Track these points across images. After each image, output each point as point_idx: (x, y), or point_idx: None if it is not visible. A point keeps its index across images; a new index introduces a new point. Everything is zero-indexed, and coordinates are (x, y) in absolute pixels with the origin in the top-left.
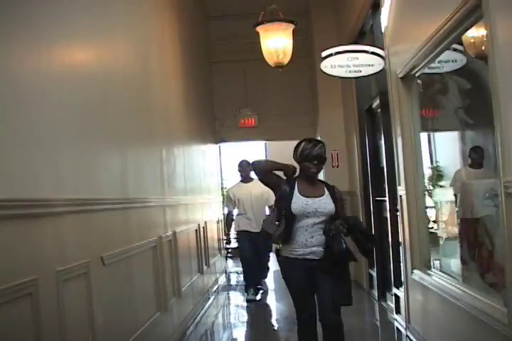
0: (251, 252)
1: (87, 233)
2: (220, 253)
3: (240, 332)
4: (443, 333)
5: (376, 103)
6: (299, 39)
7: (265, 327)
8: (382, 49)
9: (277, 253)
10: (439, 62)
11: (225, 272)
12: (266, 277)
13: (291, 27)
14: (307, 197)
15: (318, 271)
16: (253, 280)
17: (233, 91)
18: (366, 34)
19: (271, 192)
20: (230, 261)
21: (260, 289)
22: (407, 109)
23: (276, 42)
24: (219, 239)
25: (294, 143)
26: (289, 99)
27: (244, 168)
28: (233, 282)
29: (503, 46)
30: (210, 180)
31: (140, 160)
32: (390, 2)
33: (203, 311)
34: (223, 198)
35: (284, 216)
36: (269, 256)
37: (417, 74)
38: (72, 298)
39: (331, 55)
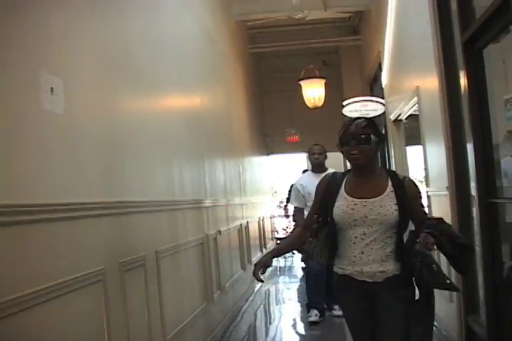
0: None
1: (216, 216)
2: (273, 241)
3: (285, 294)
4: None
5: (383, 131)
6: (331, 73)
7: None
8: (383, 98)
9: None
10: None
11: None
12: (332, 308)
13: (323, 81)
14: (356, 197)
15: (380, 299)
16: (317, 299)
17: (280, 114)
18: (378, 80)
19: None
20: None
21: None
22: (396, 138)
23: (313, 92)
24: (271, 231)
25: (330, 154)
26: (324, 120)
27: (317, 154)
28: (281, 265)
29: (423, 111)
30: (264, 185)
31: (230, 172)
32: (386, 68)
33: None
34: (289, 194)
35: (323, 222)
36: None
37: (404, 118)
38: (212, 252)
39: (349, 103)
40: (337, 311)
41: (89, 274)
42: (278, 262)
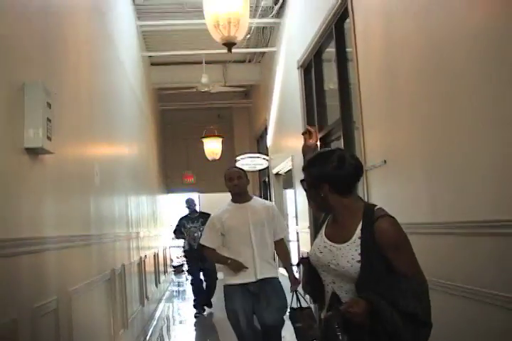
0: (248, 317)
1: (144, 244)
2: (170, 268)
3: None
4: None
5: (267, 179)
6: (224, 125)
7: None
8: (268, 155)
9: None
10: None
11: (172, 281)
12: None
13: (220, 138)
14: (329, 239)
15: None
16: None
17: (178, 158)
18: (263, 137)
19: (279, 217)
20: (173, 277)
21: None
22: (277, 185)
23: (212, 146)
24: (171, 259)
25: (220, 195)
26: (217, 164)
27: (236, 179)
28: (176, 288)
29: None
30: (165, 219)
31: (149, 208)
32: (271, 133)
33: (166, 295)
34: (176, 228)
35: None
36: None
37: (282, 173)
38: (143, 270)
39: (241, 158)
40: None
41: (108, 272)
42: (175, 286)
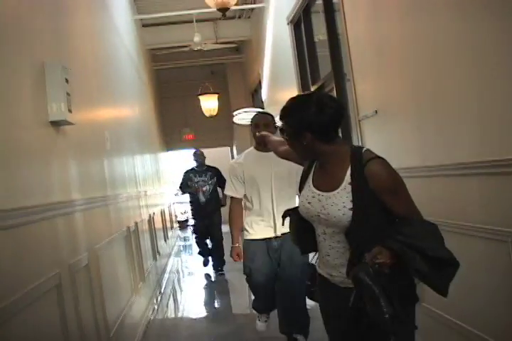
0: (270, 275)
1: (152, 202)
2: (176, 223)
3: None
4: None
5: None
6: (218, 81)
7: None
8: (263, 108)
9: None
10: None
11: (179, 236)
12: (302, 332)
13: (216, 95)
14: (317, 188)
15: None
16: (265, 304)
17: (176, 116)
18: (258, 91)
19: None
20: (179, 232)
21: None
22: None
23: (209, 104)
24: (176, 215)
25: (218, 149)
26: (214, 120)
27: (263, 126)
28: (182, 243)
29: None
30: (167, 177)
31: (153, 167)
32: (265, 87)
33: (175, 249)
34: (181, 183)
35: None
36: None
37: (278, 125)
38: (153, 226)
39: (238, 113)
40: (261, 323)
41: (124, 229)
42: (181, 241)
